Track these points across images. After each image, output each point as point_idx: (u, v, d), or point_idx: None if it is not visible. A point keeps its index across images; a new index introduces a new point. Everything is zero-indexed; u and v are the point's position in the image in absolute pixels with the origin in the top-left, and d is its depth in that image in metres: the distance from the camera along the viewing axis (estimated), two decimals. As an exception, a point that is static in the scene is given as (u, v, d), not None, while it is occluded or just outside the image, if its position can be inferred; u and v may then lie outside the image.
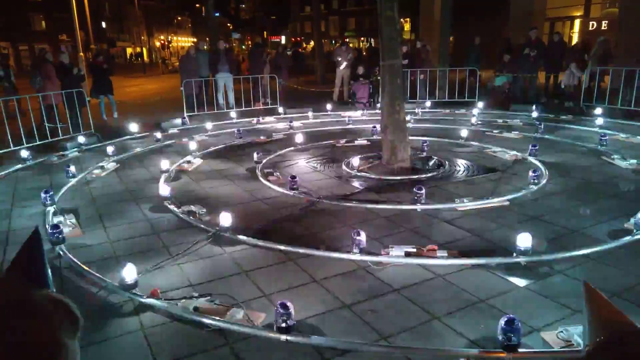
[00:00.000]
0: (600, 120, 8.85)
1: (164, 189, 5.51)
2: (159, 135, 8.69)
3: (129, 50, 52.67)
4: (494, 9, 17.11)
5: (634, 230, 4.13)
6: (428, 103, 11.54)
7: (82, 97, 9.53)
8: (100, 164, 7.00)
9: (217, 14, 36.90)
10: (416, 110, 10.64)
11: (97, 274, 3.67)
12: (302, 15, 54.72)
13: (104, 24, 44.68)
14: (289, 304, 2.90)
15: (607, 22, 17.26)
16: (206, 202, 5.41)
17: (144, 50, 49.16)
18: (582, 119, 9.50)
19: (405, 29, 37.18)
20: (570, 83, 11.25)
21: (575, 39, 18.78)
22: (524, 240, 3.74)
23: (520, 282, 3.51)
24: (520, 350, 2.63)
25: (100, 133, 9.14)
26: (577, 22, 19.91)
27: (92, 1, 23.87)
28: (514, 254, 3.74)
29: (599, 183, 5.77)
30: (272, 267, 3.85)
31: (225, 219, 4.44)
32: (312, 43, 43.98)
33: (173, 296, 3.37)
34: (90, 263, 3.92)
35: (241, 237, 4.33)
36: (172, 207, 5.16)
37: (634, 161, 6.35)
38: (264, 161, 6.99)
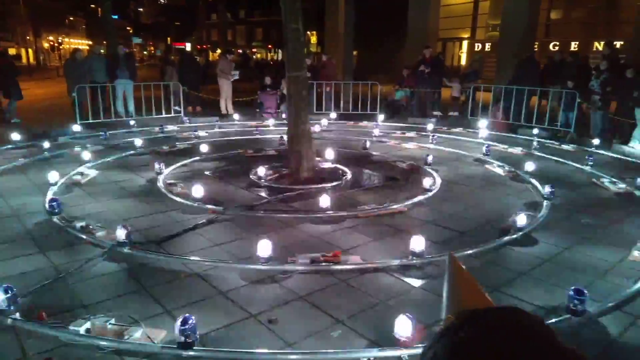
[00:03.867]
0: (484, 132, 9.77)
1: (53, 203, 5.07)
2: (46, 144, 7.99)
3: (11, 51, 47.69)
4: (394, 28, 18.19)
5: (512, 230, 4.61)
6: (333, 115, 11.91)
7: None
8: (-24, 177, 6.26)
9: (116, 17, 34.84)
10: (322, 122, 10.93)
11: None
12: (208, 23, 53.65)
13: (-19, 21, 40.06)
14: (191, 318, 2.82)
15: (490, 44, 19.14)
16: (101, 215, 5.08)
17: (30, 51, 44.85)
18: (469, 131, 10.41)
19: (312, 41, 38.01)
20: (457, 95, 12.45)
21: (463, 59, 20.59)
22: (418, 243, 4.00)
23: (416, 282, 3.75)
24: (415, 345, 2.81)
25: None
26: (465, 44, 21.81)
27: (-33, -5, 21.30)
28: (410, 257, 4.00)
29: (483, 189, 6.36)
30: (174, 282, 3.72)
31: (123, 233, 4.21)
32: (219, 51, 43.19)
33: (62, 319, 3.12)
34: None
35: (140, 251, 4.13)
36: (62, 222, 4.77)
37: (512, 168, 7.10)
38: (167, 172, 6.73)
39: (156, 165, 6.69)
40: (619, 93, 8.98)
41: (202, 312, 3.19)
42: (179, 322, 2.80)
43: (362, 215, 5.18)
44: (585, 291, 3.23)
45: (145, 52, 65.03)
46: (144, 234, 4.61)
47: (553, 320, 3.17)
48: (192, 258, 4.06)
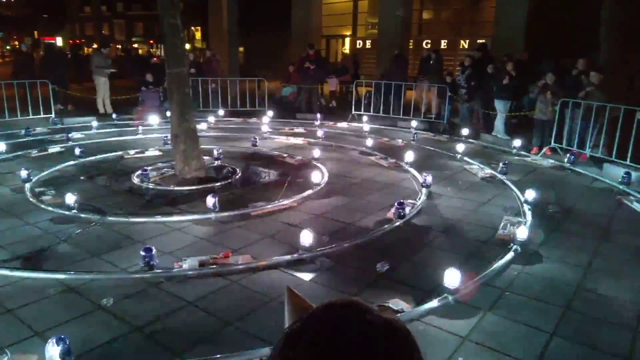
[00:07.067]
0: (367, 127, 10.25)
1: None
2: None
3: None
4: (279, 25, 18.27)
5: (394, 219, 4.92)
6: (221, 112, 11.66)
7: None
8: None
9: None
10: (209, 119, 10.65)
11: None
12: (82, 15, 49.37)
13: None
14: (65, 338, 2.59)
15: (370, 41, 20.09)
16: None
17: None
18: (352, 125, 10.86)
19: (197, 37, 36.74)
20: (334, 89, 13.03)
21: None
22: (307, 237, 4.09)
23: (307, 276, 3.83)
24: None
25: None
26: (347, 41, 22.64)
27: None
28: (299, 251, 4.07)
29: (368, 180, 6.68)
30: (46, 300, 3.38)
31: (-20, 251, 3.72)
32: (95, 46, 39.87)
33: None
34: None
35: (2, 269, 3.69)
36: None
37: (392, 160, 7.55)
38: (35, 178, 6.07)
39: (23, 172, 5.99)
40: (481, 87, 9.98)
41: (79, 330, 2.96)
42: (51, 344, 2.56)
43: (252, 213, 5.16)
44: (458, 270, 3.55)
45: (8, 47, 57.83)
46: (8, 249, 4.12)
47: (434, 300, 3.43)
48: (65, 272, 3.72)
